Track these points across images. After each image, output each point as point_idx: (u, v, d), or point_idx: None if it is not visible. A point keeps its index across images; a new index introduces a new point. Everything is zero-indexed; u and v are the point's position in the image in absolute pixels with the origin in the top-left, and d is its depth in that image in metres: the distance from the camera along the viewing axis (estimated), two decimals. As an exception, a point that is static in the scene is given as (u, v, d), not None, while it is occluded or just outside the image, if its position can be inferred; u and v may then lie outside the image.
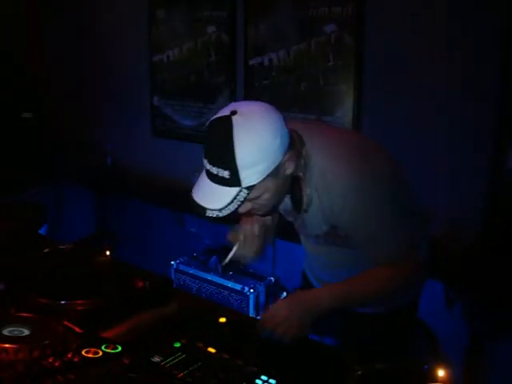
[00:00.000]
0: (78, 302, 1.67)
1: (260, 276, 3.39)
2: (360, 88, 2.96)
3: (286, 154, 1.51)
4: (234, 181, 1.44)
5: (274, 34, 3.22)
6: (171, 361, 1.44)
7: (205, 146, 1.49)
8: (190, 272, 3.51)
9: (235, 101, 3.48)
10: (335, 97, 3.04)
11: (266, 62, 3.28)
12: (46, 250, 2.09)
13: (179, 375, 1.38)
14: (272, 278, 3.37)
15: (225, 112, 1.48)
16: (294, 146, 1.56)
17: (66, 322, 1.56)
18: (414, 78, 2.78)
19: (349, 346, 1.83)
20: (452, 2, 2.66)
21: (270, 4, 3.21)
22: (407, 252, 1.68)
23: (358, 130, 2.96)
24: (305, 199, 1.63)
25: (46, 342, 1.42)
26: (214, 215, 1.48)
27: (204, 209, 1.49)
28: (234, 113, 1.45)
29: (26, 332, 1.47)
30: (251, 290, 3.24)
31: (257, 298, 3.25)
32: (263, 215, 1.73)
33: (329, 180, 1.59)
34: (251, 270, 3.47)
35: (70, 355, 1.40)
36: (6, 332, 1.45)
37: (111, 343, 1.47)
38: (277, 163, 1.49)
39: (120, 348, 1.45)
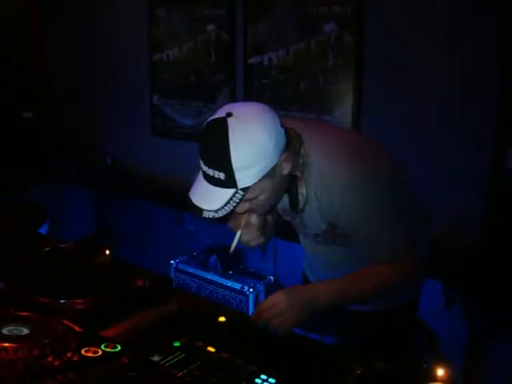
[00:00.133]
0: (78, 301, 1.67)
1: (260, 275, 3.39)
2: (360, 87, 2.95)
3: (282, 154, 1.52)
4: (229, 182, 1.45)
5: (273, 33, 3.22)
6: (171, 360, 1.44)
7: (200, 148, 1.50)
8: (190, 271, 3.51)
9: (235, 100, 3.48)
10: (335, 96, 3.04)
11: (266, 61, 3.28)
12: (46, 249, 2.09)
13: (179, 374, 1.38)
14: (272, 278, 3.37)
15: (220, 114, 1.48)
16: (291, 145, 1.56)
17: (65, 321, 1.56)
18: (414, 77, 2.79)
19: (348, 344, 1.83)
20: (452, 1, 2.66)
21: (269, 3, 3.21)
22: (407, 251, 1.68)
23: (357, 129, 2.96)
24: (301, 199, 1.63)
25: (46, 341, 1.42)
26: (211, 216, 1.49)
27: (201, 209, 1.50)
28: (229, 115, 1.46)
29: (26, 331, 1.47)
30: (251, 290, 3.24)
31: (256, 297, 3.26)
32: (261, 215, 1.73)
33: (327, 179, 1.59)
34: (251, 270, 3.48)
35: (69, 354, 1.40)
36: (5, 331, 1.45)
37: (111, 342, 1.47)
38: (273, 164, 1.49)
39: (119, 347, 1.45)
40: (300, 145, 1.60)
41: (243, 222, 1.69)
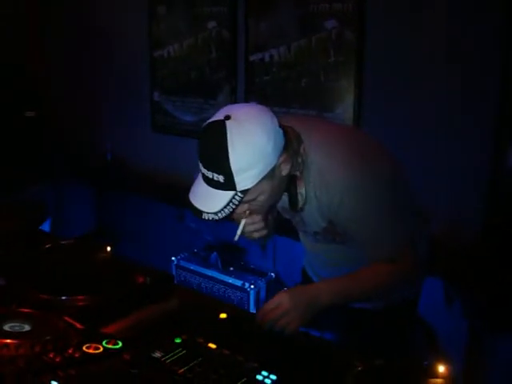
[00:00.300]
0: (79, 297, 1.67)
1: (261, 272, 3.40)
2: (361, 84, 2.96)
3: (281, 155, 1.52)
4: (228, 185, 1.46)
5: (274, 30, 3.22)
6: (172, 356, 1.44)
7: (199, 151, 1.50)
8: (191, 268, 3.51)
9: (236, 96, 3.48)
10: (336, 93, 3.04)
11: (267, 58, 3.27)
12: (47, 246, 2.09)
13: (180, 371, 1.38)
14: (273, 274, 3.38)
15: (218, 116, 1.48)
16: (289, 145, 1.56)
17: (66, 318, 1.56)
18: (415, 75, 2.78)
19: (348, 341, 1.83)
20: (452, 0, 2.65)
21: (270, 0, 3.21)
22: (406, 250, 1.68)
23: (358, 126, 2.96)
24: (300, 198, 1.63)
25: (47, 337, 1.42)
26: (210, 218, 1.50)
27: (200, 211, 1.50)
28: (227, 117, 1.46)
29: (27, 327, 1.47)
30: (252, 286, 3.24)
31: (257, 293, 3.26)
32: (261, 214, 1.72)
33: (327, 178, 1.59)
34: (252, 266, 3.48)
35: (70, 351, 1.40)
36: (7, 327, 1.46)
37: (112, 339, 1.47)
38: (272, 165, 1.50)
39: (121, 344, 1.45)
40: (299, 144, 1.60)
41: (247, 212, 1.68)
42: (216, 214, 1.49)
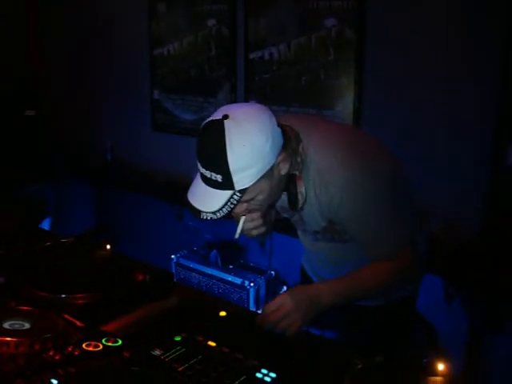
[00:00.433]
0: (79, 295, 1.67)
1: (260, 270, 3.40)
2: (360, 83, 2.95)
3: (279, 155, 1.52)
4: (226, 184, 1.46)
5: (274, 28, 3.21)
6: (171, 354, 1.45)
7: (198, 150, 1.50)
8: (191, 266, 3.52)
9: (236, 94, 3.48)
10: (336, 91, 3.04)
11: (267, 56, 3.27)
12: (47, 244, 2.09)
13: (179, 368, 1.38)
14: (272, 272, 3.38)
15: (217, 116, 1.48)
16: (288, 145, 1.56)
17: (66, 316, 1.57)
18: (415, 72, 2.78)
19: (348, 338, 1.84)
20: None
21: (270, -2, 3.21)
22: (406, 249, 1.68)
23: (358, 124, 2.96)
24: (300, 197, 1.63)
25: (47, 335, 1.42)
26: (209, 218, 1.49)
27: (199, 211, 1.50)
28: (225, 117, 1.46)
29: (27, 325, 1.47)
30: (251, 284, 3.24)
31: (257, 291, 3.26)
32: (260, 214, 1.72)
33: (326, 177, 1.59)
34: (251, 264, 3.48)
35: (70, 349, 1.40)
36: (6, 325, 1.46)
37: (112, 337, 1.47)
38: (270, 165, 1.49)
39: (120, 341, 1.45)
40: (298, 143, 1.60)
41: (246, 212, 1.67)
42: (214, 213, 1.49)
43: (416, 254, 1.72)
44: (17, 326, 1.47)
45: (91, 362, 1.36)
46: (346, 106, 3.01)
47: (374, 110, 2.94)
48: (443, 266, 2.55)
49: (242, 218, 1.63)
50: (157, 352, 1.45)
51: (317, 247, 1.90)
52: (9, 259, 1.92)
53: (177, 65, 3.77)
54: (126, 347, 1.43)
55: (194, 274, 3.49)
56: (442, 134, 2.71)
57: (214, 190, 1.48)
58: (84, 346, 1.42)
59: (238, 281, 3.28)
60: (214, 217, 1.49)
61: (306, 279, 2.07)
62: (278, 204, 1.74)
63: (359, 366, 1.43)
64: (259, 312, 1.65)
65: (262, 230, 1.71)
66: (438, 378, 1.36)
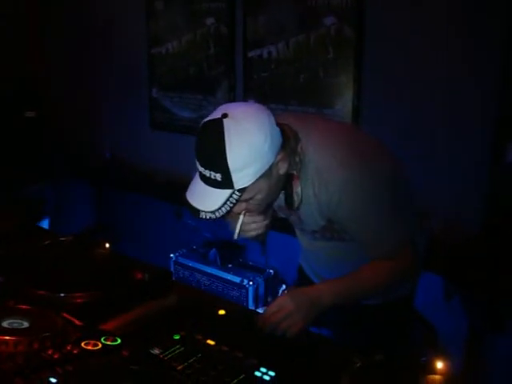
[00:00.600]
0: (78, 294, 1.67)
1: (259, 268, 3.40)
2: (359, 81, 2.95)
3: (278, 154, 1.51)
4: (226, 183, 1.46)
5: (273, 26, 3.21)
6: (170, 353, 1.45)
7: (197, 149, 1.50)
8: (190, 264, 3.51)
9: (234, 93, 3.47)
10: (335, 89, 3.03)
11: (265, 55, 3.27)
12: (45, 243, 2.09)
13: (178, 367, 1.39)
14: (271, 271, 3.38)
15: (216, 115, 1.48)
16: (287, 144, 1.56)
17: (65, 315, 1.57)
18: (414, 71, 2.78)
19: (347, 337, 1.84)
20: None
21: (269, -4, 3.21)
22: (406, 249, 1.68)
23: (357, 122, 2.95)
24: (295, 198, 1.63)
25: (46, 334, 1.42)
26: (208, 217, 1.49)
27: (198, 210, 1.50)
28: (224, 116, 1.46)
29: (26, 324, 1.47)
30: (250, 283, 3.24)
31: (256, 290, 3.26)
32: (259, 213, 1.72)
33: (325, 176, 1.59)
34: (250, 263, 3.48)
35: (69, 347, 1.40)
36: (5, 324, 1.46)
37: (110, 335, 1.47)
38: (269, 164, 1.49)
39: (119, 340, 1.45)
40: (297, 143, 1.60)
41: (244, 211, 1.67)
42: (213, 212, 1.49)
43: (416, 254, 1.72)
44: (16, 324, 1.47)
45: (90, 361, 1.36)
46: (345, 104, 3.01)
47: (373, 108, 2.94)
48: (443, 265, 2.55)
49: (241, 219, 1.63)
50: (156, 351, 1.45)
51: (315, 246, 1.90)
52: (7, 258, 1.92)
53: (175, 63, 3.76)
54: (125, 346, 1.43)
55: (193, 272, 3.49)
56: (442, 133, 2.70)
57: (213, 189, 1.48)
58: (83, 344, 1.42)
59: (237, 279, 3.28)
60: (213, 216, 1.49)
61: (303, 278, 2.06)
62: (276, 203, 1.74)
63: (358, 365, 1.43)
64: (258, 311, 1.65)
65: (261, 230, 1.71)
66: (437, 377, 1.36)
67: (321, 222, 1.70)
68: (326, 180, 1.59)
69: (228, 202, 1.48)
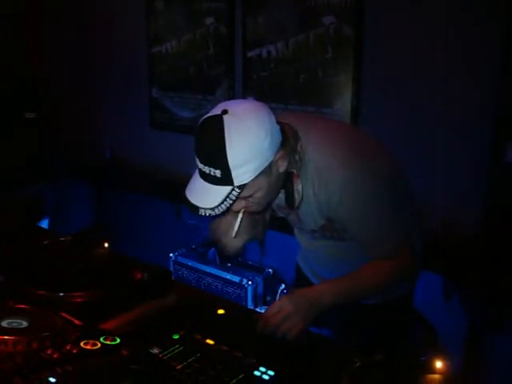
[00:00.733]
0: (77, 293, 1.67)
1: (258, 268, 3.40)
2: (359, 80, 2.95)
3: (277, 152, 1.51)
4: (225, 180, 1.45)
5: (272, 26, 3.21)
6: (170, 352, 1.45)
7: (196, 146, 1.50)
8: (189, 264, 3.51)
9: (234, 92, 3.48)
10: (334, 89, 3.03)
11: (265, 54, 3.27)
12: (45, 242, 2.09)
13: (178, 367, 1.38)
14: (270, 270, 3.38)
15: (216, 111, 1.48)
16: (287, 142, 1.56)
17: (64, 314, 1.57)
18: (414, 71, 2.78)
19: (346, 336, 1.84)
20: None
21: (268, -4, 3.21)
22: (405, 248, 1.68)
23: (356, 122, 2.95)
24: (296, 196, 1.63)
25: (45, 333, 1.42)
26: (207, 214, 1.49)
27: (197, 207, 1.49)
28: (224, 112, 1.46)
29: (25, 324, 1.47)
30: (249, 282, 3.24)
31: (255, 289, 3.26)
32: (257, 213, 1.72)
33: (325, 176, 1.59)
34: (249, 262, 3.48)
35: (68, 347, 1.40)
36: (4, 324, 1.46)
37: (110, 335, 1.47)
38: (269, 161, 1.49)
39: (119, 340, 1.45)
40: (296, 141, 1.60)
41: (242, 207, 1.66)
42: (213, 209, 1.48)
43: (415, 253, 1.72)
44: (15, 324, 1.47)
45: (89, 361, 1.36)
46: (344, 103, 3.01)
47: (373, 108, 2.94)
48: (443, 265, 2.55)
49: (239, 217, 1.63)
50: (155, 350, 1.45)
51: (314, 246, 1.90)
52: (7, 258, 1.92)
53: (175, 63, 3.76)
54: (124, 345, 1.43)
55: (192, 272, 3.49)
56: (442, 133, 2.70)
57: (213, 185, 1.47)
58: (82, 344, 1.42)
59: (236, 279, 3.28)
60: (213, 213, 1.49)
61: (301, 277, 2.06)
62: (275, 203, 1.74)
63: (357, 364, 1.43)
64: (257, 310, 1.65)
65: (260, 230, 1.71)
66: (437, 376, 1.36)
67: (320, 222, 1.70)
68: (326, 179, 1.59)
69: (228, 199, 1.47)
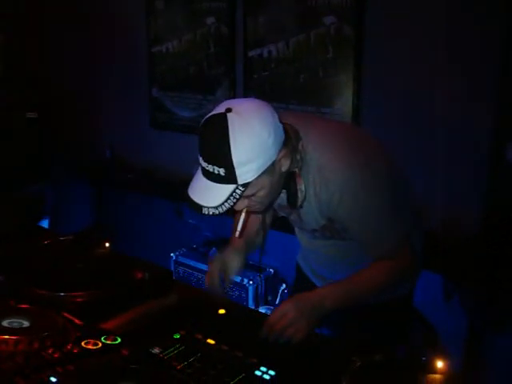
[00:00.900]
0: (78, 293, 1.67)
1: (259, 268, 3.40)
2: (359, 80, 2.95)
3: (280, 150, 1.51)
4: (229, 178, 1.45)
5: (273, 26, 3.21)
6: (170, 352, 1.45)
7: (200, 144, 1.49)
8: (190, 264, 3.51)
9: (235, 92, 3.48)
10: (334, 88, 3.03)
11: (265, 54, 3.27)
12: (45, 242, 2.09)
13: (178, 366, 1.39)
14: (271, 270, 3.38)
15: (219, 110, 1.47)
16: (289, 141, 1.56)
17: (65, 314, 1.57)
18: (414, 69, 2.78)
19: (347, 336, 1.84)
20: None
21: (269, -4, 3.21)
22: (405, 248, 1.68)
23: (356, 122, 2.96)
24: (299, 195, 1.62)
25: (46, 333, 1.43)
26: (211, 213, 1.48)
27: (200, 206, 1.49)
28: (228, 110, 1.45)
29: (26, 324, 1.48)
30: (250, 282, 3.24)
31: (256, 289, 3.26)
32: (260, 212, 1.72)
33: (326, 175, 1.59)
34: (250, 262, 3.48)
35: (69, 347, 1.40)
36: (5, 323, 1.46)
37: (111, 335, 1.47)
38: (272, 160, 1.49)
39: (119, 339, 1.45)
40: (298, 141, 1.60)
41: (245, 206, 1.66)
42: (216, 208, 1.47)
43: (415, 253, 1.72)
44: (16, 324, 1.47)
45: (90, 360, 1.36)
46: (344, 103, 3.01)
47: (373, 107, 2.94)
48: (443, 265, 2.55)
49: (242, 217, 1.63)
50: (156, 350, 1.45)
51: (315, 245, 1.90)
52: (7, 258, 1.92)
53: (176, 63, 3.76)
54: (125, 345, 1.43)
55: (193, 271, 3.49)
56: (442, 133, 2.70)
57: (216, 184, 1.47)
58: (83, 344, 1.42)
59: (237, 279, 3.28)
60: (216, 212, 1.48)
61: (301, 277, 2.06)
62: (276, 202, 1.74)
63: (358, 364, 1.43)
64: (258, 310, 1.65)
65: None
66: (437, 376, 1.36)
67: (321, 221, 1.70)
68: (326, 179, 1.59)
69: (231, 198, 1.47)
